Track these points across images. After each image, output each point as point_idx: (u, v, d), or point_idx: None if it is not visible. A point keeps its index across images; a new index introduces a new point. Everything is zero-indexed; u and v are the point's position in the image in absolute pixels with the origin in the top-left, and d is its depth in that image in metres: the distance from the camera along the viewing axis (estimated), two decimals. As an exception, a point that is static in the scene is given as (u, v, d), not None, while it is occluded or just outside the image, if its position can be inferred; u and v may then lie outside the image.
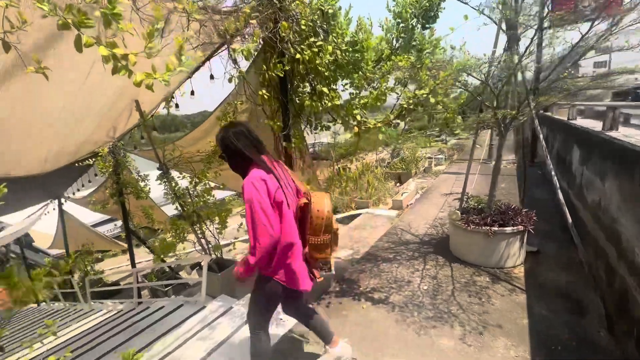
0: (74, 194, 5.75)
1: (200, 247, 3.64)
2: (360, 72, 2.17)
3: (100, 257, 11.00)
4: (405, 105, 2.19)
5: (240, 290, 4.16)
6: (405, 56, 2.25)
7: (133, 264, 4.60)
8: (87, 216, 7.27)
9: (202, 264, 3.37)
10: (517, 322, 2.43)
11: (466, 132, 3.52)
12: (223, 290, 3.76)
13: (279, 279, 1.49)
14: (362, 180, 7.63)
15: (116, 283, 6.96)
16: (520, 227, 3.15)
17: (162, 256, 3.98)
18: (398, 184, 8.69)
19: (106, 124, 2.98)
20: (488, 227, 3.14)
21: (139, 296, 4.67)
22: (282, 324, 2.55)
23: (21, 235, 8.58)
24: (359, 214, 6.07)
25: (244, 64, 2.50)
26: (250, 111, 3.01)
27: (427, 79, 2.12)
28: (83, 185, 5.37)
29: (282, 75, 2.12)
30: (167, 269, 4.97)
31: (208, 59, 2.80)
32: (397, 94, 2.30)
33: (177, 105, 3.27)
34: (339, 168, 10.06)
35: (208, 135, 3.38)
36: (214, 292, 3.84)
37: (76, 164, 4.16)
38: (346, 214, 6.39)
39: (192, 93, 3.15)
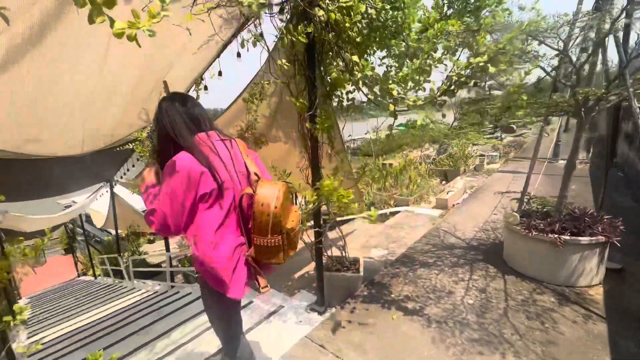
0: (121, 177, 6.09)
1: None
2: (399, 38, 1.79)
3: (151, 238, 11.83)
4: (455, 78, 1.75)
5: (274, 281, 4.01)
6: (458, 21, 1.80)
7: (167, 248, 4.70)
8: (138, 200, 7.73)
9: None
10: (595, 361, 1.88)
11: (530, 118, 2.88)
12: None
13: (208, 282, 1.26)
14: (403, 176, 7.09)
15: (158, 265, 7.35)
16: (601, 238, 2.51)
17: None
18: (444, 182, 7.96)
19: (135, 106, 2.94)
20: (556, 235, 2.55)
21: (172, 280, 4.77)
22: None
23: (82, 213, 9.50)
24: (397, 212, 5.60)
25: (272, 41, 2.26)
26: (282, 90, 2.77)
27: (485, 43, 1.67)
28: (128, 170, 5.64)
29: (305, 41, 1.82)
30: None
31: (235, 34, 2.61)
32: (445, 65, 1.87)
33: (205, 88, 3.15)
34: (381, 163, 9.54)
35: (236, 120, 3.21)
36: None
37: (117, 148, 4.31)
38: (384, 210, 5.95)
39: (220, 74, 3.01)
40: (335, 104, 2.44)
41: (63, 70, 2.10)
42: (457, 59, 1.88)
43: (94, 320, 4.30)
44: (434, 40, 1.72)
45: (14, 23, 1.36)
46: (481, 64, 1.65)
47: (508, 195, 5.30)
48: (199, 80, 3.11)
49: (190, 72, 2.95)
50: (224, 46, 2.74)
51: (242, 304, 2.86)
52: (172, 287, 4.66)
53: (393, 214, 5.61)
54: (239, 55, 2.80)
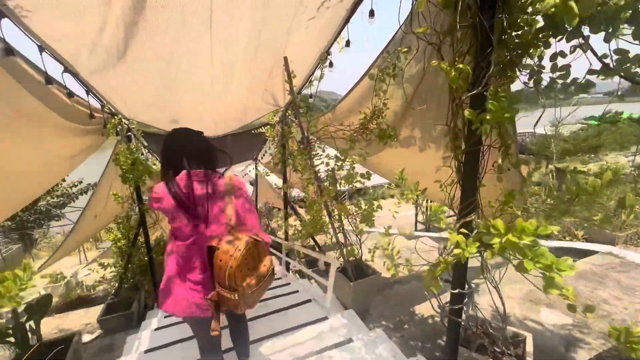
0: (261, 158, 6.58)
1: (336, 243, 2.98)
2: None
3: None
4: None
5: (375, 309, 3.30)
6: None
7: (286, 237, 4.64)
8: (275, 179, 8.38)
9: (330, 267, 2.71)
10: None
11: None
12: (356, 304, 3.02)
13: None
14: (606, 193, 4.70)
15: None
16: None
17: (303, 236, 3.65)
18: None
19: (257, 88, 2.69)
20: None
21: (287, 269, 4.74)
22: None
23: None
24: (591, 251, 3.67)
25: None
26: (427, 61, 1.87)
27: None
28: (266, 152, 5.96)
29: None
30: (315, 248, 4.79)
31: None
32: None
33: (331, 64, 2.57)
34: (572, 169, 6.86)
35: (360, 106, 2.52)
36: (346, 301, 3.17)
37: (254, 131, 4.42)
38: (563, 243, 4.07)
39: (348, 44, 2.35)
40: (523, 78, 1.36)
41: (181, 52, 1.94)
42: None
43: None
44: None
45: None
46: None
47: None
48: (325, 54, 2.55)
49: (315, 46, 2.41)
50: (355, 5, 2.04)
51: (345, 335, 2.30)
52: (285, 276, 4.62)
53: (581, 252, 3.72)
54: (371, 14, 2.03)
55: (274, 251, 6.23)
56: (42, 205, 13.96)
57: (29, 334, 2.00)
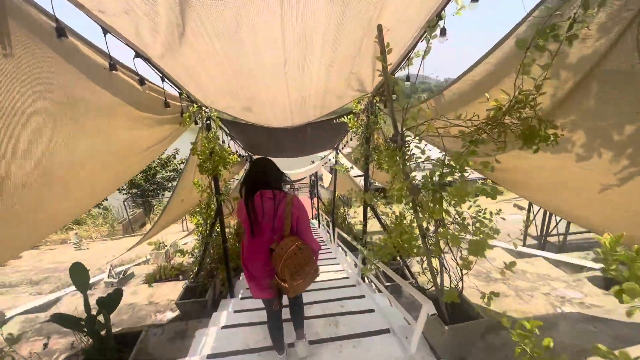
0: (342, 148, 6.09)
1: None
2: None
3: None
4: None
5: (476, 361, 2.51)
6: None
7: (364, 243, 4.09)
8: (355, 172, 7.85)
9: (421, 310, 2.06)
10: None
11: None
12: (449, 351, 2.32)
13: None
14: None
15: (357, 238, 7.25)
16: None
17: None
18: None
19: (341, 67, 2.13)
20: None
21: (362, 278, 4.22)
22: None
23: (317, 172, 11.14)
24: None
25: None
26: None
27: None
28: (347, 142, 5.43)
29: None
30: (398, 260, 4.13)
31: None
32: None
33: (443, 32, 1.83)
34: None
35: (484, 92, 1.73)
36: (435, 343, 2.49)
37: (335, 120, 3.92)
38: None
39: (443, 33, 1.58)
40: None
41: (245, 27, 1.51)
42: None
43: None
44: None
45: None
46: None
47: None
48: (435, 19, 1.82)
49: (418, 5, 1.72)
50: None
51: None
52: (359, 284, 4.11)
53: None
54: None
55: (349, 252, 5.81)
56: (159, 178, 16.56)
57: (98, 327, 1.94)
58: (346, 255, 6.23)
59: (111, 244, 11.10)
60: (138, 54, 2.02)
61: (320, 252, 2.77)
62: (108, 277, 5.56)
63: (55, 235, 12.40)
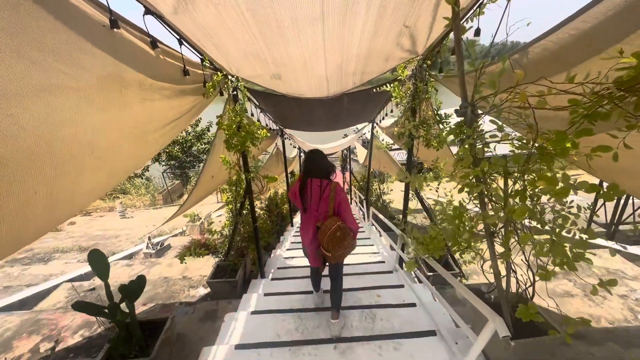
0: (380, 121, 5.55)
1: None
2: None
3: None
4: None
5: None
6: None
7: (403, 228, 3.70)
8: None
9: (484, 327, 1.69)
10: None
11: None
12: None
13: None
14: None
15: (392, 218, 6.85)
16: None
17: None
18: None
19: (392, 19, 1.66)
20: None
21: (400, 264, 3.89)
22: None
23: (350, 146, 10.64)
24: None
25: None
26: None
27: None
28: (387, 114, 4.90)
29: None
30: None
31: None
32: None
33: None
34: None
35: (601, 37, 1.21)
36: (494, 356, 2.13)
37: (375, 90, 3.43)
38: None
39: None
40: None
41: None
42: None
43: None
44: None
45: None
46: None
47: None
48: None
49: None
50: None
51: None
52: (396, 270, 3.79)
53: None
54: None
55: (383, 232, 5.47)
56: (194, 150, 17.00)
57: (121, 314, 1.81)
58: (380, 235, 5.91)
59: (153, 213, 11.72)
60: (148, 10, 1.70)
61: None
62: (147, 248, 5.76)
63: (104, 203, 13.36)
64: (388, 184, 7.78)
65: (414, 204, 3.97)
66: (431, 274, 3.39)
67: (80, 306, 1.76)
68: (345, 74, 2.40)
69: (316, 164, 2.24)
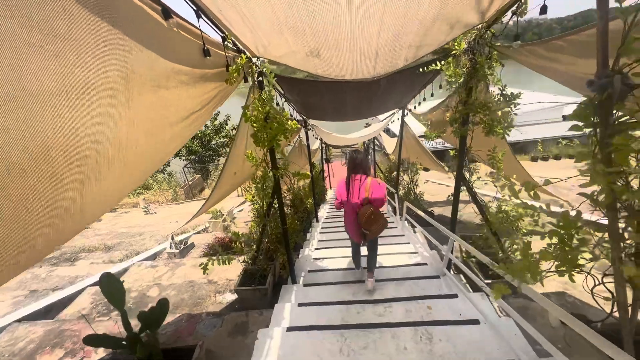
0: (415, 107, 5.02)
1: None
2: None
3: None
4: None
5: None
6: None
7: (453, 228, 3.23)
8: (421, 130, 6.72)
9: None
10: None
11: None
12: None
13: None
14: None
15: (434, 216, 6.35)
16: None
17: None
18: None
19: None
20: None
21: (449, 267, 3.44)
22: None
23: (376, 137, 10.07)
24: None
25: None
26: None
27: None
28: (424, 99, 4.36)
29: None
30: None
31: None
32: None
33: None
34: None
35: None
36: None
37: (419, 70, 2.93)
38: None
39: None
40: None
41: None
42: None
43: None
44: None
45: None
46: None
47: None
48: None
49: None
50: None
51: None
52: (444, 275, 3.34)
53: None
54: None
55: (418, 227, 5.00)
56: (213, 145, 16.91)
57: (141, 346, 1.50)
58: (414, 231, 5.45)
59: (175, 208, 11.72)
60: (156, -32, 1.31)
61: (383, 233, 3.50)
62: (170, 248, 5.58)
63: (128, 199, 13.53)
64: (414, 174, 7.22)
65: (444, 194, 3.46)
66: (489, 281, 2.92)
67: (93, 340, 1.46)
68: (399, 47, 1.93)
69: (360, 164, 2.86)
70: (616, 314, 1.51)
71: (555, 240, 1.44)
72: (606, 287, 1.50)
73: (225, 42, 1.96)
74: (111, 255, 6.04)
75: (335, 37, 1.70)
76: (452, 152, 5.54)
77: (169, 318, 3.09)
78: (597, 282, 1.49)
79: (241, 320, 2.95)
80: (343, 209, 2.98)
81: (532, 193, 1.37)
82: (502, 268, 1.57)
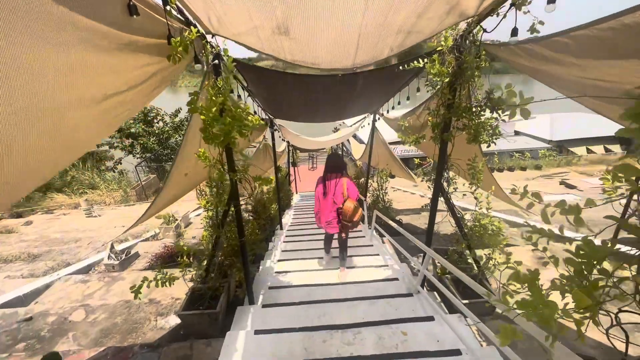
0: (388, 111, 4.81)
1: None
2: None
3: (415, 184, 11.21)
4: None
5: None
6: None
7: (429, 242, 2.98)
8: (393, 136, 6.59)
9: None
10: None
11: None
12: None
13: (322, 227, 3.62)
14: None
15: (402, 225, 6.17)
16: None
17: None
18: None
19: None
20: None
21: (423, 284, 3.18)
22: None
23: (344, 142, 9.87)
24: None
25: None
26: None
27: None
28: (399, 103, 4.15)
29: None
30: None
31: None
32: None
33: None
34: None
35: None
36: None
37: (400, 67, 2.66)
38: None
39: None
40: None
41: None
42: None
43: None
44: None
45: None
46: None
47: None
48: None
49: None
50: None
51: None
52: (418, 293, 3.08)
53: None
54: None
55: (388, 237, 4.78)
56: (172, 143, 15.73)
57: None
58: (382, 241, 5.22)
59: (124, 211, 10.55)
60: None
61: (352, 236, 3.99)
62: (108, 258, 4.80)
63: (69, 200, 12.01)
64: (385, 182, 7.04)
65: (411, 202, 3.23)
66: (467, 301, 2.69)
67: None
68: (386, 31, 1.61)
69: (336, 165, 3.47)
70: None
71: (570, 271, 1.18)
72: (622, 328, 1.27)
73: (168, 7, 1.51)
74: (35, 266, 5.09)
75: (310, 10, 1.33)
76: (417, 160, 5.47)
77: (90, 354, 2.48)
78: (613, 322, 1.25)
79: (184, 354, 2.43)
80: (315, 207, 3.63)
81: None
82: (506, 303, 1.28)
